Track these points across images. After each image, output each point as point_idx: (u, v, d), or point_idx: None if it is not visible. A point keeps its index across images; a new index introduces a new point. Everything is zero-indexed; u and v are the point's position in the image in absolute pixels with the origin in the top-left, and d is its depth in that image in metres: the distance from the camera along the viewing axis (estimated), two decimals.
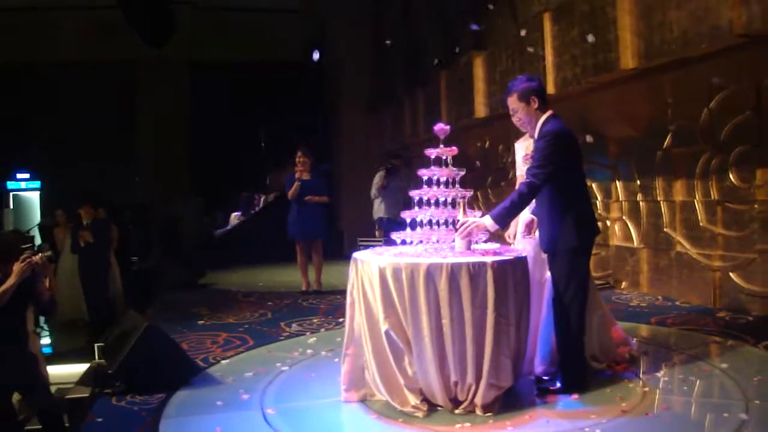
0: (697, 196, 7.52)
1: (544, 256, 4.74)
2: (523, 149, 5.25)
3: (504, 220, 4.44)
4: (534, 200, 4.61)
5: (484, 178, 11.95)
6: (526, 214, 5.06)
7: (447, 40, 13.60)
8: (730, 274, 7.08)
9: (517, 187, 4.69)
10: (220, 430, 4.20)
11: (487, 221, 4.35)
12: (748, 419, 4.03)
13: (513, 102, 4.57)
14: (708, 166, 7.34)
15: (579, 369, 4.63)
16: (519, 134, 5.35)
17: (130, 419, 4.52)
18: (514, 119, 4.67)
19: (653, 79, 7.91)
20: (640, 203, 8.39)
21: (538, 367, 4.88)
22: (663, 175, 8.01)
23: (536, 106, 4.52)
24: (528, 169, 4.49)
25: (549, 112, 4.55)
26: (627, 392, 4.59)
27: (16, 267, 4.85)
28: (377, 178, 9.99)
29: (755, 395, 4.41)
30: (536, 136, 4.54)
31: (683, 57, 7.12)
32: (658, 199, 8.10)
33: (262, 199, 18.98)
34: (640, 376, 4.94)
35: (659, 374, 5.00)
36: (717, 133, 7.17)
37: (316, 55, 16.52)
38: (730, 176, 7.04)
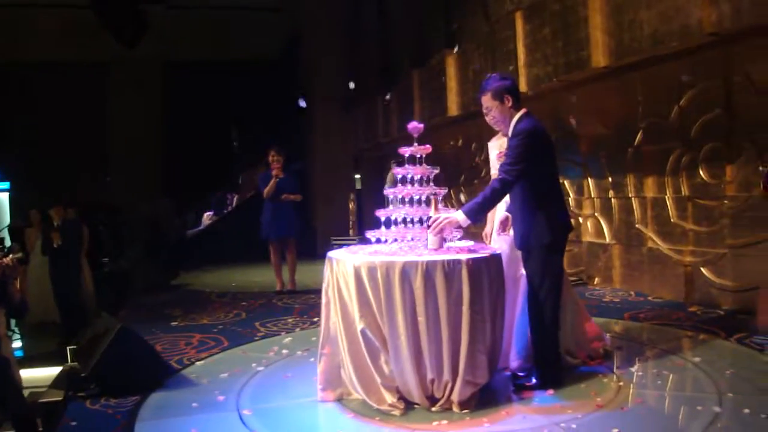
0: (668, 193, 7.61)
1: (519, 253, 4.77)
2: (497, 147, 5.28)
3: (476, 215, 4.43)
4: (508, 198, 4.66)
5: (457, 177, 11.99)
6: (501, 212, 5.10)
7: (421, 39, 13.63)
8: (701, 269, 7.18)
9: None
10: (196, 431, 4.17)
11: (459, 216, 4.35)
12: (721, 411, 4.09)
13: (487, 100, 4.59)
14: (678, 162, 7.43)
15: (554, 364, 4.67)
16: (492, 133, 5.37)
17: (105, 422, 4.48)
18: (488, 118, 4.69)
19: (624, 77, 7.99)
20: (612, 200, 8.47)
21: (513, 363, 4.92)
22: (634, 172, 8.10)
23: (510, 104, 4.54)
24: (501, 166, 4.50)
25: (523, 110, 4.57)
26: (602, 387, 4.63)
27: None
28: (390, 175, 9.81)
29: (728, 388, 4.48)
30: (510, 134, 4.56)
31: (654, 55, 7.20)
32: (630, 195, 8.18)
33: (234, 198, 18.88)
34: (615, 371, 4.99)
35: (633, 369, 5.04)
36: (687, 130, 7.26)
37: (302, 103, 16.62)
38: (701, 173, 7.13)
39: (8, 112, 19.54)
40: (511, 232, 4.89)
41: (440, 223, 4.36)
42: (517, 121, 4.53)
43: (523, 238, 4.57)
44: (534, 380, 4.64)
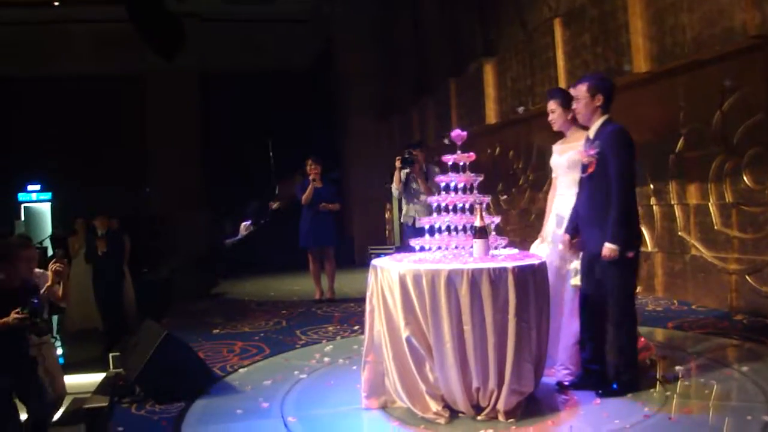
0: (711, 199, 7.49)
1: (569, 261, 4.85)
2: (560, 152, 5.18)
3: (625, 234, 4.47)
4: (580, 202, 4.72)
5: (495, 185, 11.94)
6: (559, 216, 5.10)
7: (457, 48, 13.63)
8: (747, 277, 7.05)
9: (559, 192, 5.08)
10: None
11: (612, 247, 4.43)
12: None
13: (579, 91, 4.67)
14: (721, 168, 7.32)
15: (634, 369, 4.66)
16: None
17: (151, 428, 4.53)
18: (554, 116, 5.04)
19: (665, 83, 7.90)
20: (654, 207, 8.37)
21: (566, 371, 4.90)
22: (676, 178, 8.00)
23: (599, 104, 4.61)
24: (616, 170, 4.46)
25: (607, 116, 4.63)
26: (648, 397, 4.57)
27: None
28: (396, 175, 9.31)
29: None
30: (593, 134, 4.62)
31: (696, 60, 7.11)
32: (672, 202, 8.08)
33: (272, 207, 18.99)
34: (661, 380, 4.92)
35: (680, 378, 4.96)
36: (730, 135, 7.15)
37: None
38: (744, 179, 7.02)
39: (49, 125, 19.91)
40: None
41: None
42: (605, 123, 4.60)
43: (600, 241, 4.54)
44: (615, 387, 4.60)
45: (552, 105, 5.09)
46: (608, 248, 4.46)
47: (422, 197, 8.38)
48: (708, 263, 7.57)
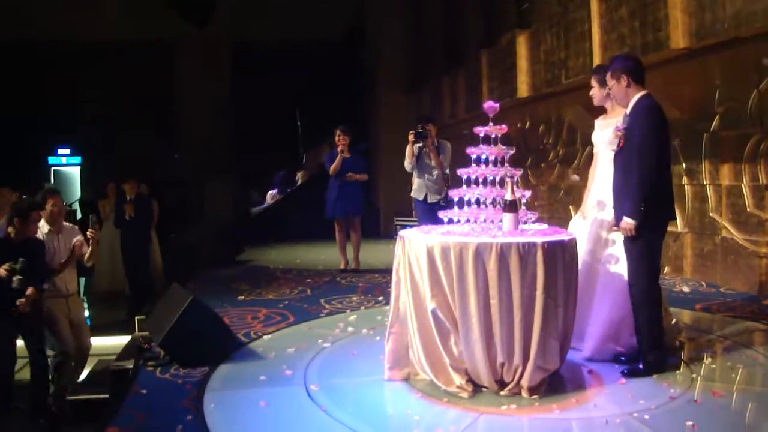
0: (744, 181, 7.36)
1: (605, 235, 4.91)
2: (601, 128, 5.20)
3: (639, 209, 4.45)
4: (614, 178, 4.72)
5: (524, 160, 11.83)
6: (596, 191, 5.12)
7: (489, 18, 13.44)
8: None
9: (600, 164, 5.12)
10: (265, 404, 4.22)
11: (630, 221, 4.44)
12: None
13: (608, 80, 4.73)
14: (757, 149, 7.17)
15: (659, 349, 4.63)
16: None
17: (175, 391, 4.57)
18: (596, 93, 5.15)
19: (702, 60, 7.73)
20: (686, 186, 8.24)
21: (617, 348, 4.89)
22: (710, 158, 7.86)
23: (626, 83, 4.60)
24: (640, 148, 4.44)
25: (643, 91, 4.61)
26: (674, 379, 4.53)
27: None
28: (408, 149, 9.11)
29: None
30: (629, 111, 4.61)
31: (735, 37, 6.93)
32: (704, 182, 7.95)
33: (299, 176, 19.02)
34: (688, 362, 4.87)
35: (706, 361, 4.94)
36: (767, 116, 7.00)
37: None
38: None
39: (80, 90, 20.04)
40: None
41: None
42: (639, 99, 4.57)
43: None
44: (641, 365, 4.60)
45: (592, 81, 5.18)
46: (625, 222, 4.46)
47: (434, 172, 8.43)
48: (738, 245, 7.45)
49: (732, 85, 7.47)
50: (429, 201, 8.38)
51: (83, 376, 6.60)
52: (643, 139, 4.42)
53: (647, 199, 4.41)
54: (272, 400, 4.31)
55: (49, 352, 6.13)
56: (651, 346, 4.59)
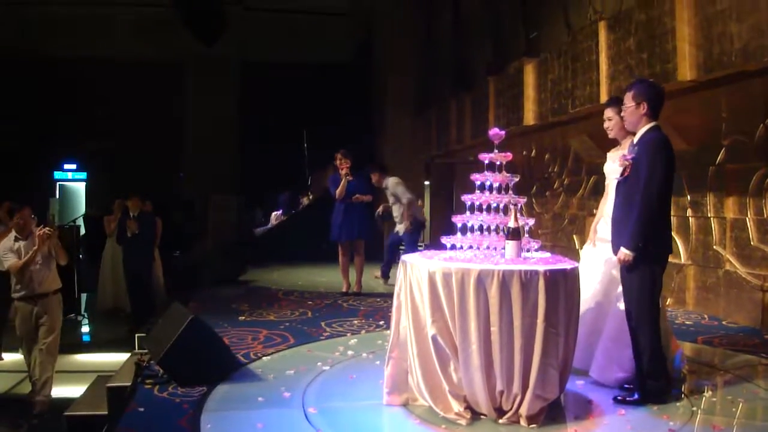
0: (749, 214, 7.35)
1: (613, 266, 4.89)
2: (613, 160, 5.19)
3: (641, 239, 4.44)
4: (614, 206, 4.74)
5: (529, 188, 11.85)
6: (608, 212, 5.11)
7: (498, 45, 13.53)
8: None
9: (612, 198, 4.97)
10: (262, 426, 4.20)
11: (628, 252, 4.44)
12: None
13: (627, 97, 4.67)
14: (762, 183, 7.18)
15: (657, 379, 4.59)
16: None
17: (172, 410, 4.54)
18: (611, 122, 5.12)
19: (709, 92, 7.75)
20: (690, 219, 8.23)
21: (619, 374, 4.87)
22: (715, 190, 7.86)
23: (644, 111, 4.56)
24: (646, 179, 4.42)
25: (654, 123, 4.58)
26: (675, 411, 4.49)
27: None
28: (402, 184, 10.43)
29: None
30: (636, 140, 4.60)
31: (742, 71, 6.95)
32: (709, 215, 7.94)
33: (304, 199, 19.02)
34: (688, 395, 4.84)
35: (707, 394, 4.90)
36: None
37: None
38: None
39: (87, 107, 20.14)
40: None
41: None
42: (649, 130, 4.56)
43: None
44: (636, 396, 4.59)
45: (609, 113, 5.14)
46: (623, 253, 4.46)
47: (395, 207, 10.27)
48: (742, 279, 7.42)
49: (738, 118, 7.48)
50: (396, 232, 10.28)
51: (81, 392, 6.58)
52: (651, 173, 4.38)
53: (649, 231, 4.41)
54: (269, 422, 4.29)
55: None
56: (648, 376, 4.56)
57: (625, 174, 4.58)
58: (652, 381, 4.57)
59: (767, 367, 5.67)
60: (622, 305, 4.87)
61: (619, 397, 4.63)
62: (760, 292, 7.18)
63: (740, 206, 7.49)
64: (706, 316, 7.81)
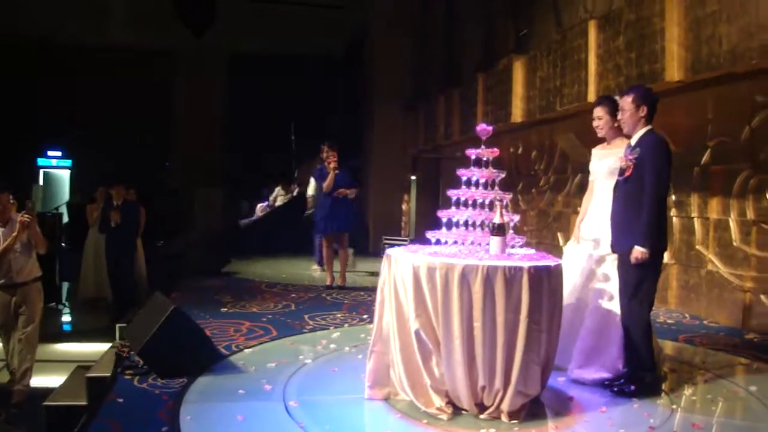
0: (732, 215, 7.39)
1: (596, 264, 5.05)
2: (600, 158, 5.28)
3: (653, 237, 4.58)
4: (614, 205, 4.84)
5: (515, 184, 11.86)
6: (595, 220, 5.21)
7: (488, 42, 13.52)
8: (761, 296, 6.96)
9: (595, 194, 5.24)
10: (242, 418, 4.18)
11: (642, 249, 4.54)
12: None
13: (625, 102, 4.78)
14: (746, 185, 7.21)
15: (650, 371, 4.75)
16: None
17: (152, 401, 4.52)
18: (601, 123, 5.17)
19: (696, 94, 7.77)
20: (674, 219, 8.26)
21: (600, 374, 4.94)
22: (699, 191, 7.89)
23: (643, 114, 4.71)
24: (651, 179, 4.56)
25: (650, 126, 4.75)
26: (654, 409, 4.52)
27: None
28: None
29: None
30: (634, 142, 4.73)
31: (730, 72, 6.97)
32: (692, 215, 7.97)
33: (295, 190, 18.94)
34: (669, 393, 4.86)
35: (687, 392, 4.93)
36: (757, 152, 7.05)
37: None
38: None
39: (74, 94, 19.97)
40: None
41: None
42: (647, 133, 4.72)
43: (629, 243, 4.63)
44: (632, 387, 4.68)
45: (599, 111, 5.19)
46: (638, 251, 4.54)
47: None
48: (723, 279, 7.47)
49: (724, 120, 7.51)
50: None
51: (60, 382, 6.53)
52: (657, 173, 4.55)
53: (657, 229, 4.57)
54: (250, 414, 4.27)
55: None
56: (645, 369, 4.71)
57: (627, 174, 4.68)
58: (648, 373, 4.72)
59: (747, 366, 5.72)
60: (602, 302, 4.97)
61: (615, 388, 4.73)
62: (741, 293, 7.22)
63: (723, 207, 7.52)
64: (687, 315, 7.85)
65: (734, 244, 7.35)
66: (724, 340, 6.66)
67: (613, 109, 5.04)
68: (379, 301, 4.50)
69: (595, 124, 5.23)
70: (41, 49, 19.40)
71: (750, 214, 7.14)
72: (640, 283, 4.65)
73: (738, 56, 6.61)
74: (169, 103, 21.24)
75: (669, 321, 7.55)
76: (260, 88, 19.98)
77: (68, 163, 21.85)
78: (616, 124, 5.05)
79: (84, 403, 5.22)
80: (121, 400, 4.54)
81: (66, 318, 11.63)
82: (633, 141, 4.75)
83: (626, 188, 4.71)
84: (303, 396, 4.64)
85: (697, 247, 7.88)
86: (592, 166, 5.34)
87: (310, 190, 11.85)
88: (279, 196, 16.73)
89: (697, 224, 7.92)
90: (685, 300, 8.08)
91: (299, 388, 4.83)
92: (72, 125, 20.16)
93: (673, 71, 7.41)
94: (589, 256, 5.11)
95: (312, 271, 11.51)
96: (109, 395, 4.67)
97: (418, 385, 4.27)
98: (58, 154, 21.73)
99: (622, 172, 4.75)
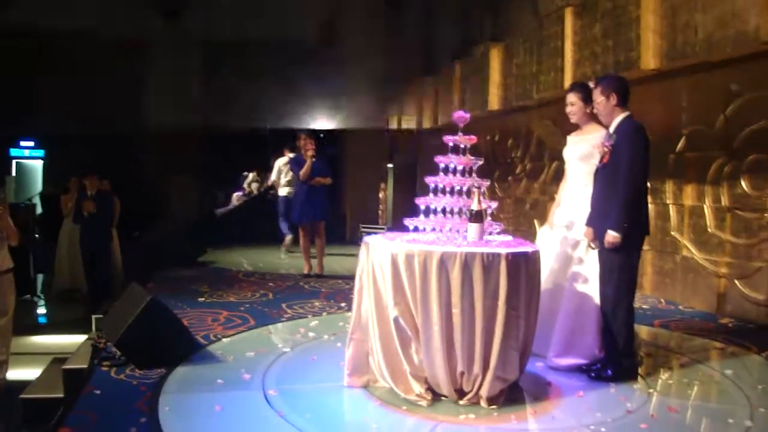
0: (707, 202, 7.46)
1: (571, 249, 5.07)
2: (573, 144, 5.29)
3: (623, 222, 4.60)
4: (594, 192, 4.87)
5: (491, 172, 11.89)
6: (567, 205, 5.25)
7: (465, 29, 13.52)
8: (736, 281, 7.04)
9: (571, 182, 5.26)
10: (221, 408, 4.16)
11: (615, 234, 4.58)
12: (752, 426, 4.03)
13: (595, 94, 4.84)
14: (720, 172, 7.28)
15: (630, 357, 4.81)
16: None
17: (129, 393, 4.47)
18: (574, 109, 5.17)
19: (671, 82, 7.83)
20: (649, 205, 8.30)
21: (577, 360, 4.98)
22: (674, 178, 7.96)
23: (615, 102, 4.75)
24: (627, 165, 4.59)
25: (627, 113, 4.79)
26: (631, 393, 4.57)
27: None
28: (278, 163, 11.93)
29: (759, 403, 4.41)
30: (612, 130, 4.77)
31: (705, 61, 7.03)
32: (668, 202, 8.04)
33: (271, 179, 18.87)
34: (645, 377, 4.91)
35: (664, 377, 4.99)
36: (731, 139, 7.11)
37: None
38: (742, 183, 6.97)
39: (46, 81, 19.66)
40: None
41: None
42: (624, 119, 4.76)
43: (605, 228, 4.66)
44: (609, 372, 4.73)
45: (572, 98, 5.20)
46: (610, 235, 4.59)
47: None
48: (698, 265, 7.55)
49: (699, 108, 7.57)
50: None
51: (37, 375, 6.46)
52: (632, 159, 4.58)
53: (631, 215, 4.57)
54: (229, 404, 4.25)
55: None
56: (624, 355, 4.75)
57: (604, 161, 4.73)
58: (626, 359, 4.77)
59: (721, 350, 5.79)
60: (578, 285, 5.01)
61: (593, 374, 4.79)
62: (716, 278, 7.30)
63: (698, 194, 7.59)
64: (663, 300, 7.93)
65: (709, 230, 7.42)
66: (699, 324, 6.74)
67: (586, 95, 5.07)
68: (358, 288, 4.50)
69: (568, 110, 5.26)
70: (11, 35, 19.05)
71: (724, 201, 7.21)
72: (617, 269, 4.68)
73: (713, 45, 6.66)
74: (141, 90, 20.99)
75: (644, 306, 7.61)
76: (234, 74, 19.80)
77: (41, 153, 21.57)
78: (588, 110, 5.08)
79: (61, 395, 5.17)
80: (98, 392, 4.49)
81: (41, 310, 11.50)
82: (611, 128, 4.79)
83: (604, 175, 4.76)
84: (282, 385, 4.63)
85: (672, 233, 7.95)
86: (565, 152, 5.38)
87: (274, 176, 13.05)
88: (254, 182, 16.66)
89: (672, 211, 7.99)
90: (661, 285, 8.16)
91: (278, 376, 4.82)
92: (43, 114, 19.85)
93: (649, 59, 7.47)
94: (563, 239, 5.14)
95: (281, 252, 11.97)
96: (86, 387, 4.61)
97: (398, 371, 4.28)
98: (31, 144, 21.43)
99: (600, 159, 4.79)
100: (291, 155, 12.36)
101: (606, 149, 4.71)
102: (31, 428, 5.20)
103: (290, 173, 12.25)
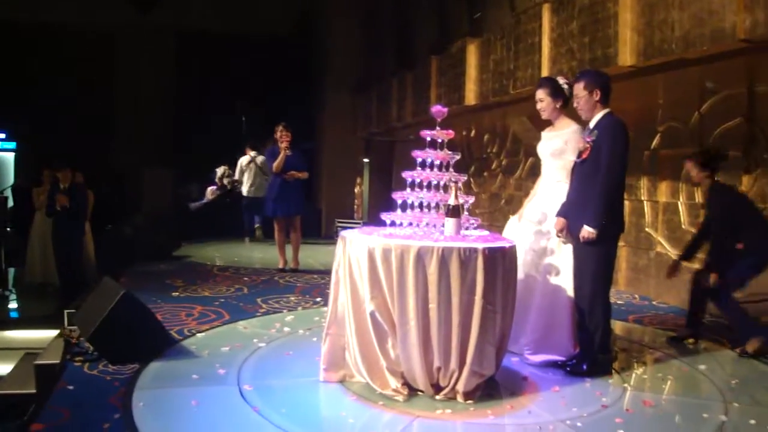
0: (681, 199, 7.53)
1: (546, 243, 5.09)
2: (547, 139, 5.29)
3: (601, 218, 4.60)
4: (571, 187, 4.88)
5: (467, 167, 11.90)
6: (539, 199, 5.26)
7: (442, 24, 13.50)
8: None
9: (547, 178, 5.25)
10: (196, 403, 4.12)
11: (590, 229, 4.58)
12: (727, 420, 4.08)
13: (578, 89, 4.81)
14: None
15: (605, 352, 4.83)
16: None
17: (103, 388, 4.41)
18: (543, 105, 5.18)
19: (647, 78, 7.88)
20: (624, 202, 8.36)
21: (551, 356, 5.00)
22: (648, 175, 8.02)
23: (597, 98, 4.74)
24: (607, 159, 4.59)
25: (608, 109, 4.78)
26: (606, 388, 4.60)
27: None
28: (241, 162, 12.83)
29: (733, 398, 4.47)
30: (593, 125, 4.77)
31: (681, 58, 7.07)
32: (642, 198, 8.10)
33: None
34: (620, 372, 4.95)
35: (638, 371, 5.05)
36: (706, 136, 7.18)
37: None
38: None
39: (16, 74, 19.38)
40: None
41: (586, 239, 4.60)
42: (606, 116, 4.75)
43: (582, 223, 4.67)
44: (584, 367, 4.76)
45: (541, 94, 5.20)
46: (586, 230, 4.60)
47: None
48: (672, 261, 7.59)
49: (675, 105, 7.64)
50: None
51: (8, 370, 6.37)
52: (612, 155, 4.59)
53: (609, 211, 4.58)
54: (204, 399, 4.20)
55: None
56: (600, 350, 4.76)
57: (583, 157, 4.73)
58: (602, 354, 4.79)
59: (695, 346, 5.84)
60: (551, 278, 5.03)
61: (569, 368, 4.81)
62: (689, 274, 7.33)
63: (672, 191, 7.66)
64: (637, 296, 8.00)
65: (683, 227, 7.49)
66: (672, 320, 6.83)
67: (555, 91, 5.10)
68: (334, 282, 4.48)
69: (538, 106, 5.26)
70: None
71: (698, 198, 7.28)
72: (593, 263, 4.69)
73: (690, 42, 6.70)
74: (114, 83, 20.77)
75: (619, 302, 7.68)
76: (207, 69, 19.67)
77: (12, 145, 21.26)
78: (558, 105, 5.11)
79: (33, 391, 5.09)
80: (71, 388, 4.43)
81: (12, 305, 11.33)
82: (591, 124, 4.79)
83: (582, 170, 4.76)
84: (257, 380, 4.59)
85: (647, 229, 8.01)
86: (538, 148, 5.39)
87: (237, 175, 14.16)
88: (225, 177, 16.56)
89: (646, 207, 8.05)
90: (635, 281, 8.22)
91: (253, 372, 4.78)
92: (15, 105, 19.57)
93: (626, 56, 7.50)
94: (536, 232, 5.15)
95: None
96: (59, 383, 4.54)
97: (374, 366, 4.26)
98: (2, 136, 21.12)
99: (579, 154, 4.79)
100: (252, 153, 13.46)
101: (587, 145, 4.71)
102: (3, 424, 5.13)
103: (253, 172, 13.59)
